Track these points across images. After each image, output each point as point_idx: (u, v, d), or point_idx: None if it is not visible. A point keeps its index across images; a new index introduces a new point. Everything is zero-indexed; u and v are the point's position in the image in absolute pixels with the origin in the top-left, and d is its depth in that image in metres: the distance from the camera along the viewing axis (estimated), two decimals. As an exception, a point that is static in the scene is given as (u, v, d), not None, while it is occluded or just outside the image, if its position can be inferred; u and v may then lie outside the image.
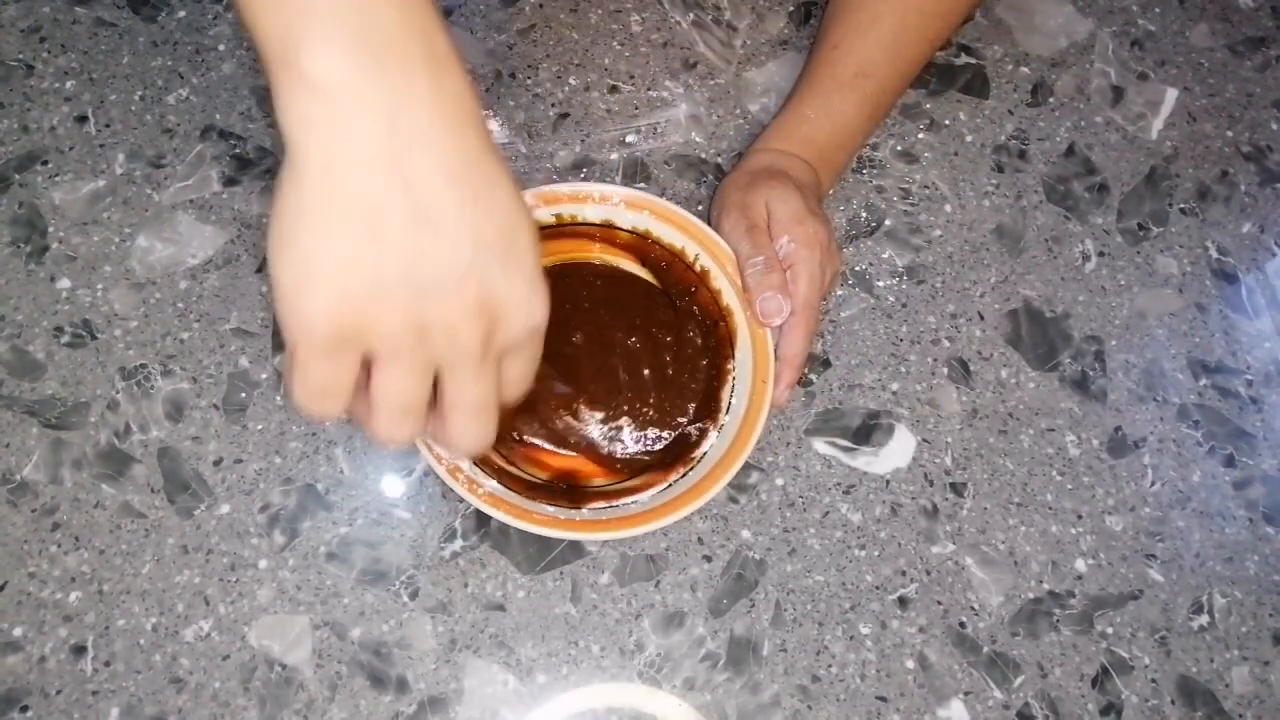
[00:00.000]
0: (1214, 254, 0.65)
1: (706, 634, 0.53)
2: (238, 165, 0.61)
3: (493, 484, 0.51)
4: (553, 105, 0.65)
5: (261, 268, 0.59)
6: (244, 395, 0.56)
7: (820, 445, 0.57)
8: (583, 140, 0.64)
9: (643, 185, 0.63)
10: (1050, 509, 0.57)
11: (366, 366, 0.35)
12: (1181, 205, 0.66)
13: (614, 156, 0.63)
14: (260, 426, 0.55)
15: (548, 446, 0.54)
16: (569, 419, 0.54)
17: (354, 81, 0.32)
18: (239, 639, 0.51)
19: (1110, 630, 0.55)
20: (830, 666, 0.53)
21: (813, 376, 0.59)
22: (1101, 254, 0.64)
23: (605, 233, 0.57)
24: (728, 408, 0.54)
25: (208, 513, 0.54)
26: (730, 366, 0.55)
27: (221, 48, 0.64)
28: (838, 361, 0.59)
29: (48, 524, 0.53)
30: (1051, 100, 0.68)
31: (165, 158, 0.61)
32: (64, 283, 0.58)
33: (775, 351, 0.53)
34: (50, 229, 0.59)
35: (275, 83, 0.32)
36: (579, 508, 0.51)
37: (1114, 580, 0.56)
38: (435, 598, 0.53)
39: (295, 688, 0.51)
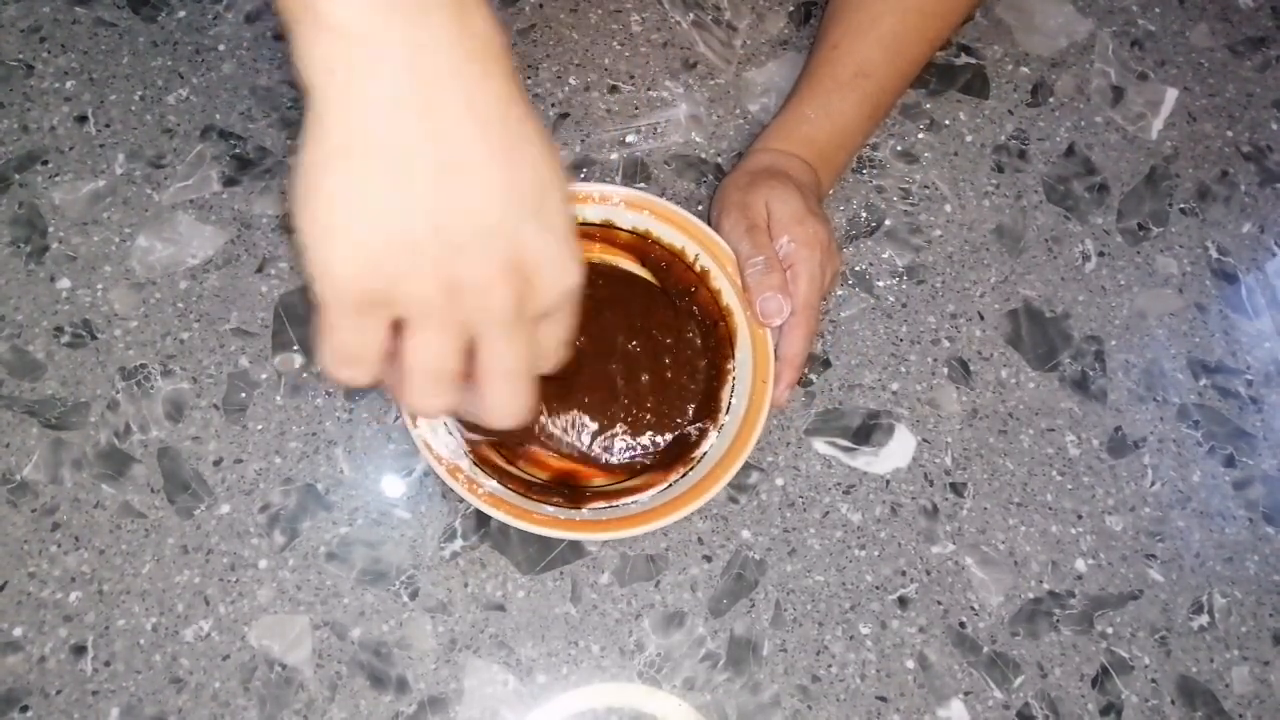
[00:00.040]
0: (1214, 254, 0.65)
1: (706, 634, 0.53)
2: (238, 165, 0.61)
3: (493, 484, 0.51)
4: (553, 105, 0.65)
5: (261, 268, 0.59)
6: (244, 395, 0.56)
7: (820, 445, 0.57)
8: (583, 140, 0.64)
9: (643, 185, 0.63)
10: (1050, 509, 0.57)
11: (398, 334, 0.34)
12: (1181, 205, 0.66)
13: (614, 156, 0.63)
14: (260, 426, 0.55)
15: (548, 449, 0.54)
16: (569, 423, 0.54)
17: (372, 22, 0.31)
18: (239, 639, 0.51)
19: (1110, 630, 0.55)
20: (830, 666, 0.53)
21: (813, 376, 0.59)
22: (1101, 254, 0.64)
23: (605, 233, 0.57)
24: (728, 408, 0.54)
25: (208, 513, 0.54)
26: (730, 366, 0.55)
27: (221, 48, 0.64)
28: (838, 361, 0.59)
29: (48, 524, 0.53)
30: (1051, 100, 0.68)
31: (165, 158, 0.61)
32: (64, 283, 0.58)
33: (775, 351, 0.53)
34: (50, 229, 0.59)
35: (295, 35, 0.31)
36: (579, 508, 0.51)
37: (1114, 580, 0.56)
38: (435, 598, 0.53)
39: (295, 688, 0.51)
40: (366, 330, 0.33)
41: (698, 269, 0.56)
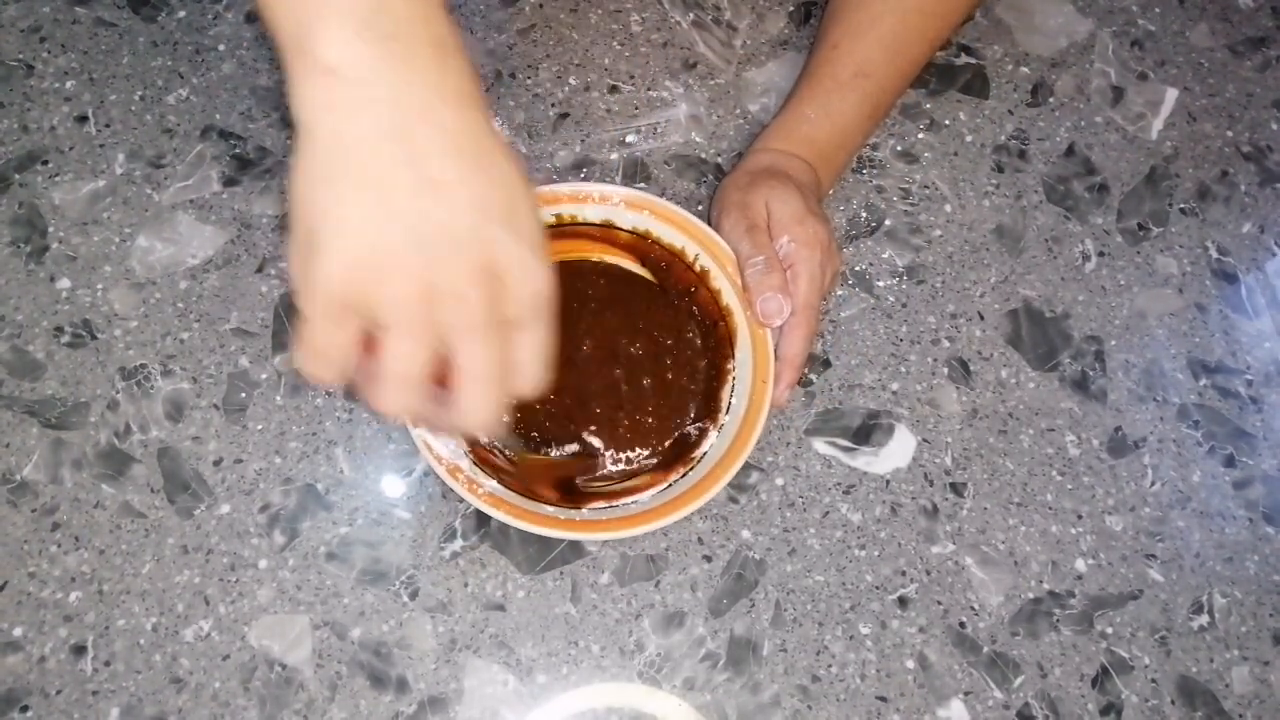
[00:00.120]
0: (1214, 254, 0.65)
1: (706, 634, 0.53)
2: (238, 165, 0.61)
3: (493, 484, 0.51)
4: (553, 105, 0.65)
5: (261, 268, 0.59)
6: (244, 395, 0.56)
7: (820, 445, 0.57)
8: (583, 140, 0.64)
9: (643, 185, 0.63)
10: (1050, 509, 0.57)
11: (373, 341, 0.36)
12: (1181, 205, 0.66)
13: (614, 156, 0.63)
14: (260, 426, 0.55)
15: (551, 455, 0.54)
16: (573, 429, 0.55)
17: (362, 64, 0.34)
18: (239, 639, 0.51)
19: (1110, 630, 0.55)
20: (830, 666, 0.53)
21: (813, 376, 0.59)
22: (1101, 254, 0.64)
23: (605, 233, 0.57)
24: (728, 408, 0.54)
25: (208, 513, 0.54)
26: (730, 366, 0.55)
27: (221, 48, 0.64)
28: (838, 361, 0.59)
29: (48, 524, 0.53)
30: (1051, 100, 0.68)
31: (165, 158, 0.61)
32: (64, 283, 0.58)
33: (775, 351, 0.53)
34: (50, 229, 0.59)
35: (291, 72, 0.35)
36: (579, 508, 0.51)
37: (1114, 580, 0.56)
38: (435, 598, 0.53)
39: (295, 688, 0.51)
40: (340, 334, 0.36)
41: (698, 269, 0.56)
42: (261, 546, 0.53)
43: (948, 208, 0.64)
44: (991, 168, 0.65)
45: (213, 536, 0.53)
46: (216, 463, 0.54)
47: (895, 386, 0.59)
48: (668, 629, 0.53)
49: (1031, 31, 0.70)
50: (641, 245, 0.57)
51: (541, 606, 0.53)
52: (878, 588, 0.55)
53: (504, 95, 0.65)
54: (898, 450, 0.58)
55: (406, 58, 0.35)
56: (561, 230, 0.57)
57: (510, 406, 0.55)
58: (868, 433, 0.58)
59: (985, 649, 0.54)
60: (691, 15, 0.68)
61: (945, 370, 0.60)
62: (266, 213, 0.60)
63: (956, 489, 0.57)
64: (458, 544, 0.54)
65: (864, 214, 0.63)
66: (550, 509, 0.51)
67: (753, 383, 0.53)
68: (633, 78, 0.66)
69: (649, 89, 0.66)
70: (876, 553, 0.55)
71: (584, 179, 0.63)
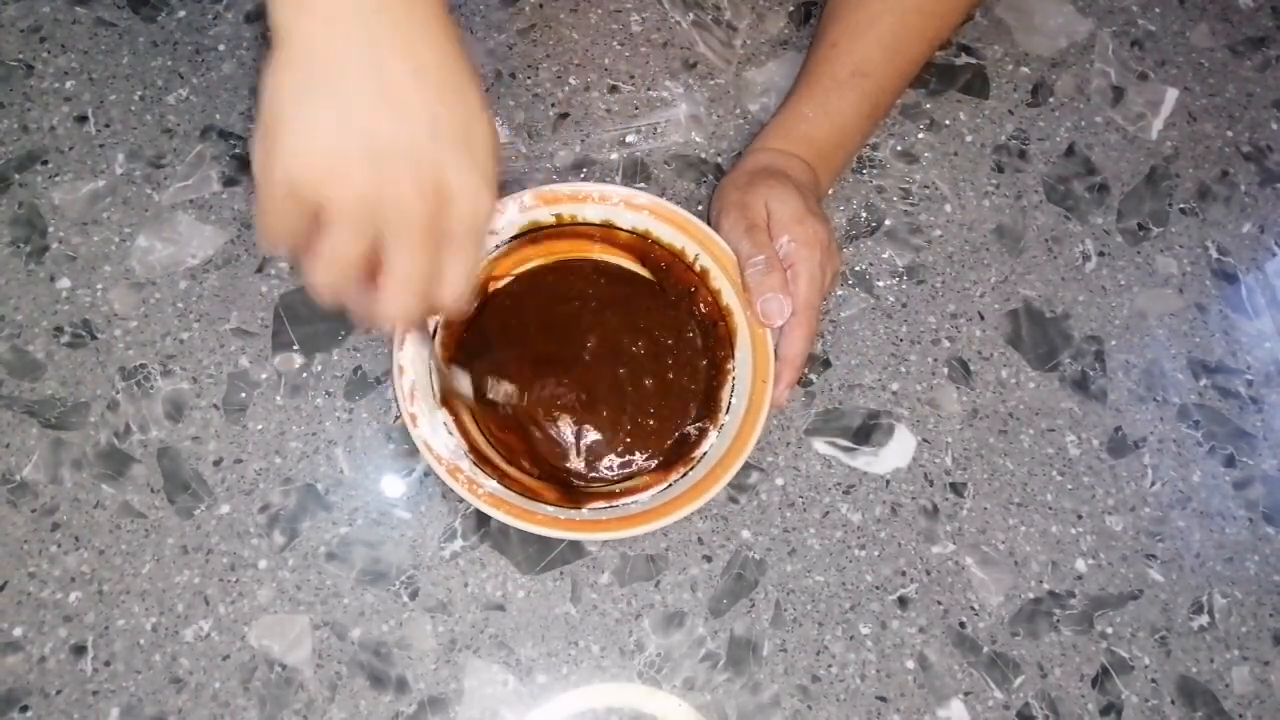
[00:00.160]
0: (1214, 254, 0.65)
1: (706, 634, 0.53)
2: (238, 165, 0.61)
3: (493, 484, 0.51)
4: (553, 105, 0.65)
5: (261, 268, 0.59)
6: (244, 395, 0.56)
7: (820, 445, 0.57)
8: (583, 140, 0.64)
9: (643, 185, 0.63)
10: (1050, 509, 0.57)
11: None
12: (1181, 205, 0.66)
13: (614, 156, 0.63)
14: (260, 426, 0.55)
15: (551, 451, 0.54)
16: (575, 431, 0.55)
17: None
18: (239, 639, 0.51)
19: (1110, 630, 0.55)
20: (830, 666, 0.53)
21: (813, 376, 0.59)
22: (1101, 254, 0.64)
23: (605, 233, 0.57)
24: (727, 408, 0.54)
25: (208, 513, 0.54)
26: (730, 366, 0.55)
27: (221, 48, 0.64)
28: (838, 361, 0.59)
29: (48, 524, 0.53)
30: (1051, 100, 0.68)
31: (165, 158, 0.61)
32: (64, 283, 0.58)
33: (775, 351, 0.53)
34: (50, 229, 0.59)
35: None
36: (579, 508, 0.51)
37: (1114, 580, 0.56)
38: (435, 598, 0.53)
39: (295, 688, 0.51)
40: (288, 217, 0.39)
41: (698, 269, 0.56)
42: (261, 546, 0.53)
43: (948, 208, 0.64)
44: (991, 168, 0.65)
45: (213, 536, 0.53)
46: (216, 463, 0.54)
47: (895, 386, 0.59)
48: (668, 629, 0.53)
49: (1031, 31, 0.70)
50: (641, 245, 0.57)
51: (541, 606, 0.53)
52: (878, 588, 0.55)
53: (504, 95, 0.65)
54: (898, 450, 0.58)
55: None
56: (561, 230, 0.57)
57: (511, 408, 0.55)
58: (868, 433, 0.58)
59: (985, 649, 0.54)
60: (691, 15, 0.68)
61: (945, 370, 0.60)
62: (266, 213, 0.60)
63: (956, 489, 0.57)
64: (458, 544, 0.54)
65: (864, 214, 0.63)
66: (550, 509, 0.51)
67: (752, 383, 0.53)
68: (633, 78, 0.66)
69: (649, 89, 0.66)
70: (876, 553, 0.55)
71: (584, 179, 0.63)
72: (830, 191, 0.63)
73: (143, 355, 0.56)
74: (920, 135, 0.66)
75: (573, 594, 0.53)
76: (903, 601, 0.54)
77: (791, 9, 0.69)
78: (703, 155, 0.64)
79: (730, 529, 0.55)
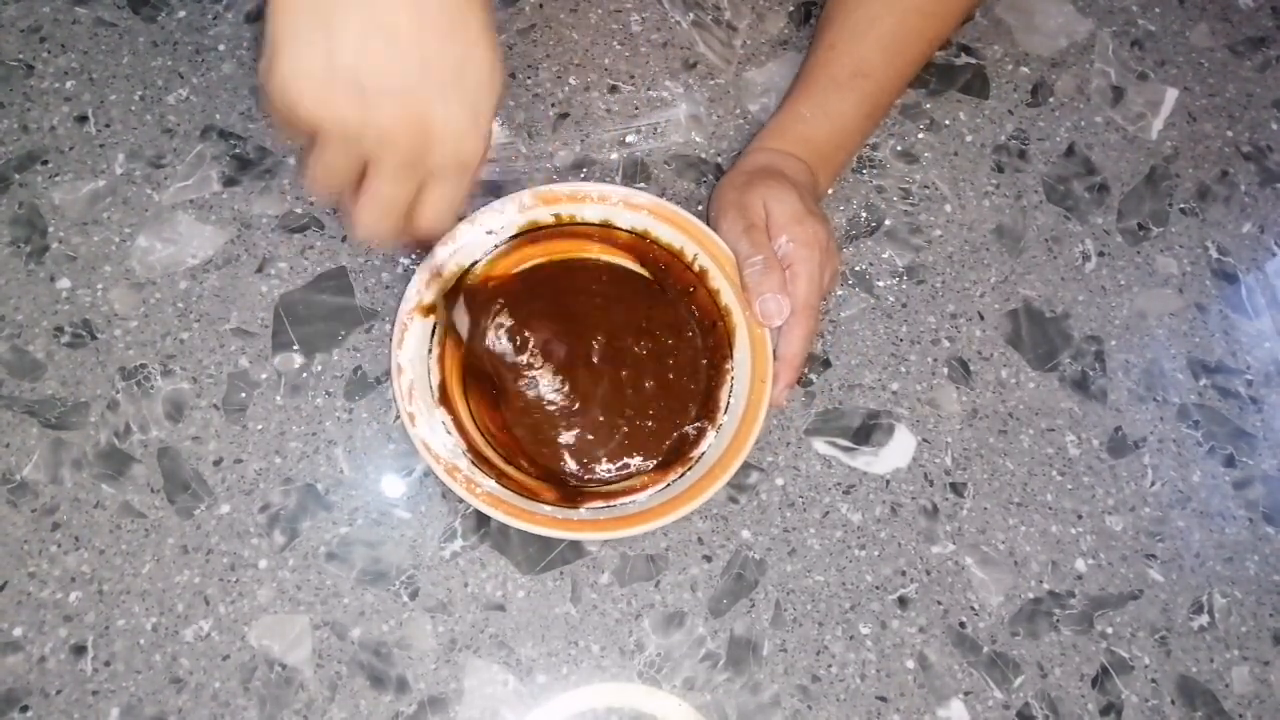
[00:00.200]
0: (1214, 254, 0.65)
1: (706, 634, 0.53)
2: (238, 165, 0.61)
3: (491, 483, 0.51)
4: (553, 105, 0.65)
5: (261, 268, 0.59)
6: (244, 395, 0.56)
7: (820, 445, 0.57)
8: (583, 140, 0.64)
9: (643, 185, 0.63)
10: (1050, 509, 0.57)
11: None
12: (1181, 205, 0.66)
13: (614, 156, 0.63)
14: (260, 426, 0.55)
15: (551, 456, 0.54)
16: (573, 435, 0.55)
17: None
18: (239, 639, 0.51)
19: (1110, 630, 0.55)
20: (830, 666, 0.53)
21: (813, 376, 0.59)
22: (1101, 254, 0.64)
23: (604, 233, 0.57)
24: (726, 407, 0.54)
25: (208, 513, 0.54)
26: (729, 366, 0.55)
27: (221, 48, 0.64)
28: (838, 361, 0.59)
29: (48, 524, 0.53)
30: (1051, 100, 0.68)
31: (165, 158, 0.61)
32: (64, 283, 0.58)
33: (774, 351, 0.53)
34: (50, 229, 0.59)
35: None
36: (577, 507, 0.51)
37: (1114, 580, 0.56)
38: (435, 598, 0.53)
39: (295, 688, 0.51)
40: (290, 129, 0.41)
41: (696, 269, 0.56)
42: (261, 546, 0.53)
43: (948, 208, 0.64)
44: (991, 168, 0.65)
45: (213, 536, 0.53)
46: (216, 463, 0.55)
47: (895, 386, 0.59)
48: (668, 629, 0.53)
49: (1031, 31, 0.70)
50: (640, 245, 0.57)
51: (541, 606, 0.53)
52: (878, 588, 0.55)
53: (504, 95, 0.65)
54: (898, 450, 0.58)
55: None
56: (560, 230, 0.57)
57: (511, 404, 0.55)
58: (868, 433, 0.58)
59: (985, 649, 0.54)
60: (691, 15, 0.68)
61: (945, 370, 0.60)
62: (266, 213, 0.60)
63: (956, 489, 0.57)
64: (458, 544, 0.54)
65: (864, 214, 0.63)
66: (548, 509, 0.51)
67: (751, 382, 0.53)
68: (633, 78, 0.66)
69: (649, 89, 0.66)
70: (876, 553, 0.55)
71: (584, 179, 0.63)
72: (830, 191, 0.63)
73: (143, 355, 0.56)
74: (920, 135, 0.66)
75: (573, 594, 0.53)
76: (903, 601, 0.54)
77: (791, 9, 0.69)
78: (703, 155, 0.64)
79: (730, 529, 0.55)
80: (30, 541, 0.52)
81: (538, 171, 0.63)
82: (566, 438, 0.55)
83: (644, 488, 0.53)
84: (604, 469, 0.54)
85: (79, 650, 0.51)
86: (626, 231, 0.57)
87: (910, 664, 0.53)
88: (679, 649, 0.53)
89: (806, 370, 0.59)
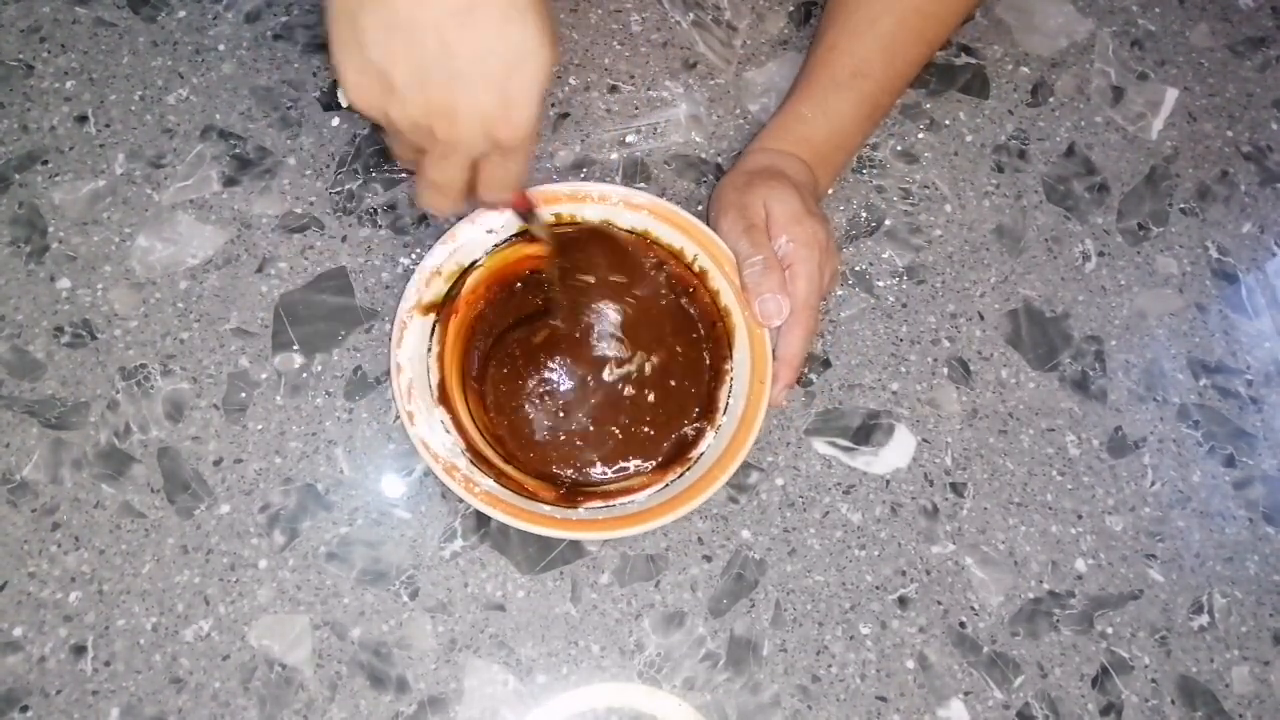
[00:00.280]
0: (1214, 254, 0.65)
1: (706, 634, 0.53)
2: (238, 165, 0.61)
3: (489, 483, 0.51)
4: (553, 105, 0.65)
5: (261, 267, 0.59)
6: (244, 395, 0.56)
7: (820, 445, 0.57)
8: (583, 140, 0.64)
9: (643, 185, 0.63)
10: (1050, 509, 0.57)
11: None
12: (1181, 205, 0.66)
13: (614, 156, 0.63)
14: (260, 426, 0.55)
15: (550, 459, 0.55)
16: (573, 436, 0.55)
17: None
18: (239, 639, 0.51)
19: (1110, 630, 0.55)
20: (830, 666, 0.53)
21: (813, 376, 0.59)
22: (1101, 254, 0.64)
23: (605, 233, 0.57)
24: (725, 408, 0.54)
25: (208, 513, 0.54)
26: (728, 366, 0.55)
27: (221, 48, 0.64)
28: (838, 361, 0.59)
29: (48, 524, 0.53)
30: (1051, 100, 0.68)
31: (165, 158, 0.61)
32: (64, 283, 0.58)
33: (774, 351, 0.53)
34: (50, 229, 0.59)
35: None
36: (575, 507, 0.51)
37: (1114, 580, 0.56)
38: (435, 598, 0.53)
39: (295, 688, 0.51)
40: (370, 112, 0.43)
41: (696, 269, 0.56)
42: (261, 546, 0.53)
43: (948, 208, 0.64)
44: (991, 168, 0.65)
45: (213, 536, 0.53)
46: (216, 463, 0.55)
47: (895, 386, 0.59)
48: (668, 629, 0.53)
49: (1031, 31, 0.70)
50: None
51: (541, 606, 0.53)
52: (878, 588, 0.55)
53: (504, 95, 0.65)
54: (898, 450, 0.58)
55: None
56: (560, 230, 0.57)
57: (513, 405, 0.55)
58: (868, 433, 0.58)
59: (985, 649, 0.54)
60: (691, 15, 0.68)
61: (945, 370, 0.60)
62: (267, 213, 0.60)
63: (956, 489, 0.57)
64: (458, 544, 0.54)
65: (864, 214, 0.63)
66: (547, 508, 0.51)
67: (750, 383, 0.53)
68: (633, 78, 0.66)
69: (649, 89, 0.66)
70: (876, 553, 0.55)
71: (584, 179, 0.63)
72: (830, 191, 0.63)
73: (143, 355, 0.56)
74: (920, 135, 0.66)
75: (573, 594, 0.53)
76: (903, 601, 0.54)
77: (791, 9, 0.69)
78: (703, 155, 0.64)
79: (730, 529, 0.55)
80: (30, 541, 0.52)
81: (538, 171, 0.63)
82: (565, 440, 0.55)
83: (643, 488, 0.53)
84: (601, 472, 0.54)
85: (79, 650, 0.51)
86: (627, 232, 0.57)
87: (910, 664, 0.53)
88: (679, 649, 0.53)
89: (806, 370, 0.59)
